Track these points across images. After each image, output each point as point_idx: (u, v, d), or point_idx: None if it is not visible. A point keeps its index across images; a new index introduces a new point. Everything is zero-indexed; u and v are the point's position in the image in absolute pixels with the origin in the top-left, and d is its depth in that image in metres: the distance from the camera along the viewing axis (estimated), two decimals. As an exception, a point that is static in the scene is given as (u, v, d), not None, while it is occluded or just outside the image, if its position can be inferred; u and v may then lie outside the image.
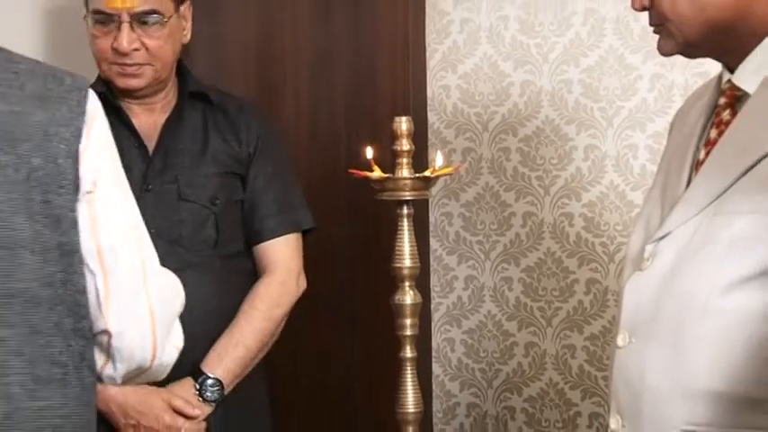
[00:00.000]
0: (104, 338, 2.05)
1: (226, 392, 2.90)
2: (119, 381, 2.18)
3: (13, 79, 2.00)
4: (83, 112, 2.01)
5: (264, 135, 3.07)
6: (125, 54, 2.91)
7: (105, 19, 2.92)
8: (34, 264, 2.06)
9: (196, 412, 2.86)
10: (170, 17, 2.97)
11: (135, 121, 2.97)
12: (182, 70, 3.08)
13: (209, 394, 2.87)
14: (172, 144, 3.01)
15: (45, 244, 2.04)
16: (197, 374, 2.87)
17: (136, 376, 2.17)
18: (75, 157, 2.02)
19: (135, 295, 2.06)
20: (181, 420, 2.84)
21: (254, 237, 3.00)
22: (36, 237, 2.01)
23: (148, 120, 3.01)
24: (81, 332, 2.02)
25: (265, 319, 2.94)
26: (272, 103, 3.65)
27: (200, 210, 2.92)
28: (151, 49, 2.94)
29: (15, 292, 1.98)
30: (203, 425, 2.88)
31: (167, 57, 2.99)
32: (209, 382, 2.88)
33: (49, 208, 2.00)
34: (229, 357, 2.91)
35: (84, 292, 2.03)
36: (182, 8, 3.02)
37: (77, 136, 2.00)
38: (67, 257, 2.03)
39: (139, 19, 2.93)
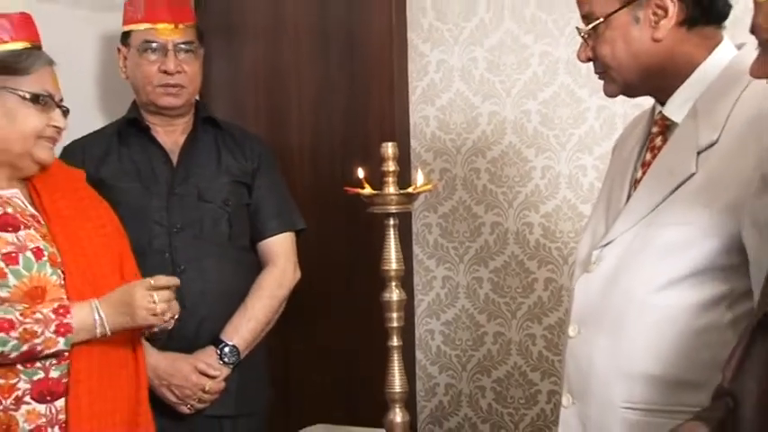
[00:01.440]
0: None
1: (241, 357, 2.97)
2: None
3: None
4: None
5: (264, 154, 3.20)
6: (171, 75, 3.02)
7: (154, 48, 3.02)
8: None
9: (217, 373, 2.94)
10: (199, 49, 3.12)
11: (160, 140, 3.07)
12: (197, 101, 3.19)
13: (227, 358, 2.95)
14: (191, 158, 3.10)
15: None
16: (217, 342, 2.96)
17: None
18: None
19: None
20: (205, 380, 2.91)
21: (258, 234, 3.11)
22: None
23: (171, 139, 3.11)
24: None
25: (271, 297, 3.04)
26: (279, 131, 3.70)
27: (216, 209, 3.02)
28: (189, 73, 3.07)
29: None
30: (223, 384, 2.95)
31: (198, 81, 3.13)
32: (228, 348, 2.96)
33: None
34: (244, 328, 3.00)
35: None
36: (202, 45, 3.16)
37: None
38: None
39: (181, 48, 3.06)
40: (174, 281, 2.46)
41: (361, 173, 2.60)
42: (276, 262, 3.10)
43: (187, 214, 2.93)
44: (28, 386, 2.38)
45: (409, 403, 2.89)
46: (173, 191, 3.01)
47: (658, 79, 2.11)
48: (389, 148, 2.56)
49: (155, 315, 2.39)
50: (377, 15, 3.56)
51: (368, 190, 2.57)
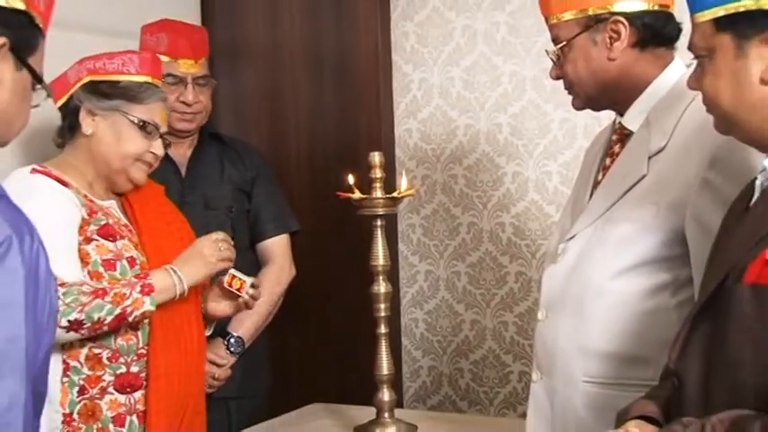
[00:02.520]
0: None
1: (245, 347, 2.99)
2: None
3: None
4: None
5: (262, 165, 3.21)
6: (189, 105, 3.02)
7: (175, 80, 3.01)
8: None
9: (225, 362, 2.95)
10: (211, 80, 3.13)
11: (170, 153, 3.00)
12: None
13: (233, 348, 2.97)
14: (198, 170, 3.10)
15: None
16: (224, 334, 2.96)
17: None
18: None
19: None
20: (214, 368, 2.91)
21: (257, 236, 3.12)
22: None
23: (179, 152, 3.10)
24: None
25: (270, 293, 3.03)
26: (278, 143, 3.71)
27: (220, 216, 3.02)
28: (203, 102, 3.07)
29: None
30: (229, 371, 2.96)
31: (209, 107, 3.13)
32: (233, 339, 2.97)
33: None
34: (247, 321, 3.00)
35: None
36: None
37: None
38: None
39: (198, 81, 3.06)
40: (225, 235, 2.56)
41: (351, 179, 2.60)
42: (274, 261, 3.10)
43: (195, 220, 2.86)
44: (111, 378, 2.40)
45: (396, 384, 2.92)
46: (183, 199, 2.99)
47: (615, 93, 2.12)
48: (376, 157, 2.57)
49: (223, 260, 2.50)
50: (364, 40, 3.57)
51: (357, 195, 2.57)
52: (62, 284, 2.25)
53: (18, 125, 1.75)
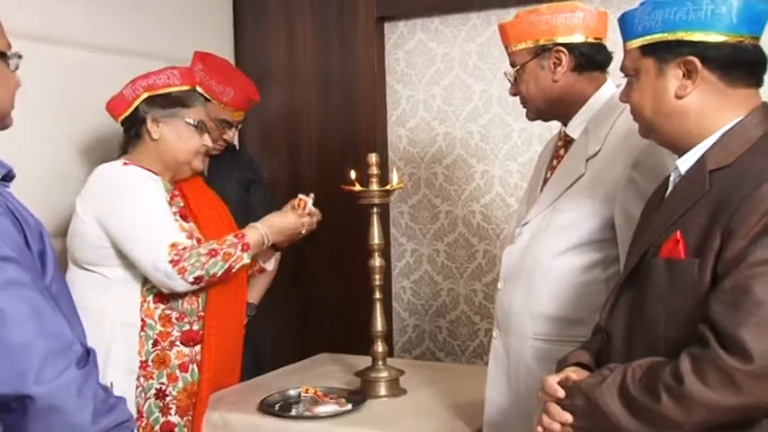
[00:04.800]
0: None
1: (255, 311, 2.97)
2: None
3: None
4: None
5: (257, 170, 3.22)
6: (227, 141, 3.03)
7: (225, 125, 2.97)
8: None
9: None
10: None
11: None
12: None
13: (248, 311, 2.87)
14: (217, 172, 3.05)
15: None
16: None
17: None
18: None
19: None
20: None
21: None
22: None
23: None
24: None
25: (270, 272, 2.95)
26: (294, 147, 3.70)
27: (230, 206, 2.86)
28: (229, 138, 3.04)
29: None
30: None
31: None
32: (247, 307, 2.87)
33: None
34: (255, 287, 2.98)
35: None
36: None
37: None
38: None
39: (238, 123, 3.07)
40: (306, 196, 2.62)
41: (353, 175, 2.59)
42: None
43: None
44: (178, 334, 2.44)
45: (387, 338, 2.93)
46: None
47: (560, 108, 2.12)
48: (373, 158, 2.56)
49: (302, 224, 2.59)
50: (364, 65, 3.56)
51: (358, 187, 2.56)
52: (184, 248, 2.34)
53: (2, 101, 1.65)
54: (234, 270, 2.41)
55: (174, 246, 2.33)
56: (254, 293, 3.00)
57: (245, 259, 2.43)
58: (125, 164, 2.47)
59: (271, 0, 3.71)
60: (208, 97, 2.86)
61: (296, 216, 2.58)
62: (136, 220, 2.36)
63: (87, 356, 1.54)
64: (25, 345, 1.44)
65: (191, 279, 2.32)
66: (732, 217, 1.44)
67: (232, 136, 3.04)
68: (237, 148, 3.28)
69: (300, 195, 2.64)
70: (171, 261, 2.31)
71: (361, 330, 2.67)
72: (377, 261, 2.59)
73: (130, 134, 2.54)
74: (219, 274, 2.38)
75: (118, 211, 2.37)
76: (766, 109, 1.59)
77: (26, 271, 1.49)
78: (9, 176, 1.65)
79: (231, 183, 3.06)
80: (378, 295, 2.61)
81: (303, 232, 2.63)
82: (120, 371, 2.35)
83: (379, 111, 3.59)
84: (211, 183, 2.97)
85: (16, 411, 1.46)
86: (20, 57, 1.67)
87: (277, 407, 2.44)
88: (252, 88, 3.08)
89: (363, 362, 2.72)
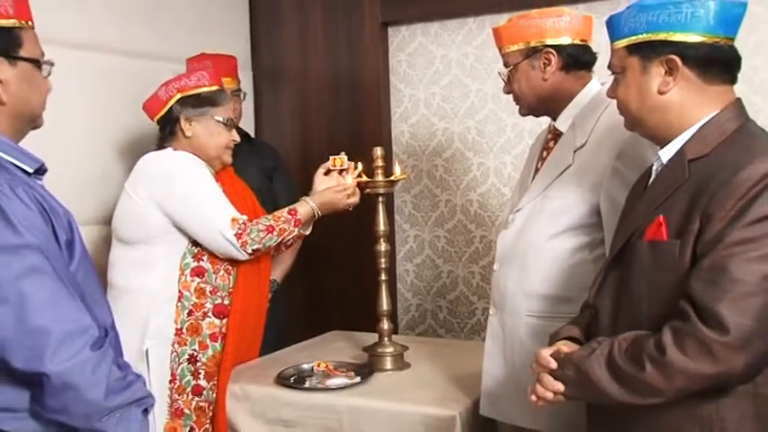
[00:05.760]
0: None
1: (278, 287, 2.96)
2: None
3: None
4: None
5: (277, 158, 3.23)
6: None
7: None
8: None
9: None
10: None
11: None
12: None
13: (271, 286, 2.85)
14: (235, 161, 2.96)
15: None
16: None
17: None
18: None
19: None
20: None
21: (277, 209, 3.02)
22: None
23: None
24: None
25: (293, 250, 2.96)
26: (307, 142, 3.70)
27: (254, 193, 2.88)
28: (236, 110, 3.01)
29: None
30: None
31: (241, 113, 3.10)
32: (271, 283, 2.87)
33: None
34: (279, 265, 2.96)
35: None
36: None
37: None
38: None
39: (233, 93, 3.01)
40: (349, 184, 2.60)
41: (360, 167, 2.59)
42: None
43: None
44: (211, 306, 2.48)
45: (392, 317, 2.94)
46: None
47: (549, 104, 2.12)
48: (378, 151, 2.55)
49: (347, 204, 2.60)
50: (369, 66, 3.56)
51: (364, 178, 2.56)
52: (244, 223, 2.42)
53: (35, 104, 1.66)
54: (286, 242, 2.52)
55: (234, 220, 2.41)
56: (278, 271, 3.00)
57: (296, 232, 2.52)
58: (175, 149, 2.50)
59: (284, 6, 3.71)
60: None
61: (344, 195, 2.58)
62: (198, 196, 2.42)
63: (104, 339, 1.55)
64: (43, 327, 1.46)
65: (250, 251, 2.43)
66: (710, 202, 1.45)
67: (232, 107, 3.01)
68: (253, 136, 3.27)
69: (333, 156, 2.64)
70: (235, 234, 2.40)
71: (369, 309, 2.68)
72: (382, 246, 2.59)
73: (165, 132, 2.57)
74: (274, 246, 2.49)
75: (179, 190, 2.41)
76: (740, 104, 1.60)
77: (49, 259, 1.50)
78: (41, 170, 1.66)
79: (252, 171, 3.06)
80: (383, 277, 2.60)
81: (350, 209, 2.64)
82: (156, 340, 2.41)
83: (384, 108, 3.59)
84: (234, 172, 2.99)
85: (37, 386, 1.49)
86: (52, 64, 1.69)
87: (292, 379, 2.45)
88: (226, 58, 3.09)
89: (371, 338, 2.72)
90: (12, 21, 1.60)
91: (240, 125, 3.00)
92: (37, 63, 1.64)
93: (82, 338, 1.50)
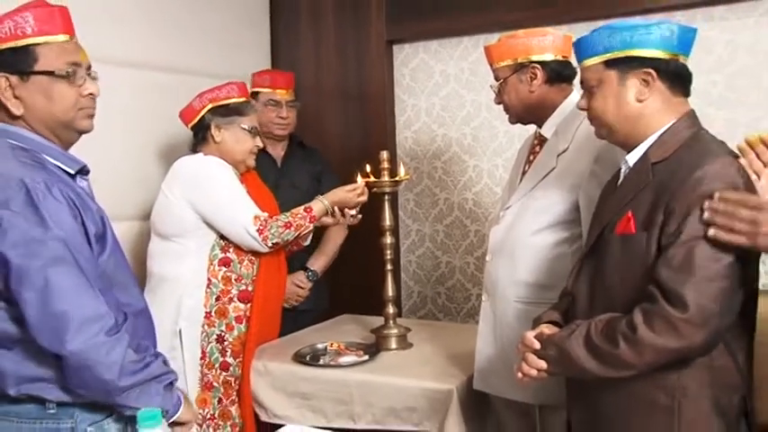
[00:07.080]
0: None
1: (318, 277, 2.98)
2: None
3: None
4: None
5: (325, 163, 3.18)
6: (284, 119, 3.02)
7: (275, 103, 3.01)
8: None
9: (305, 286, 2.96)
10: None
11: (270, 152, 3.04)
12: (291, 133, 3.14)
13: (310, 277, 2.95)
14: (288, 164, 3.06)
15: None
16: (305, 268, 2.97)
17: None
18: None
19: None
20: (298, 290, 2.94)
21: None
22: None
23: (275, 151, 3.08)
24: None
25: (336, 242, 3.03)
26: (323, 148, 3.63)
27: (302, 193, 2.91)
28: (290, 118, 3.05)
29: None
30: (308, 292, 2.97)
31: (295, 122, 3.10)
32: (311, 272, 2.97)
33: None
34: (321, 259, 3.00)
35: None
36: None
37: None
38: None
39: (289, 103, 3.04)
40: (358, 185, 2.57)
41: (368, 168, 2.59)
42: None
43: (285, 196, 2.86)
44: (236, 292, 2.48)
45: (397, 302, 2.90)
46: (278, 182, 2.97)
47: (535, 113, 2.12)
48: (384, 154, 2.55)
49: (357, 202, 2.58)
50: (376, 79, 3.55)
51: (372, 179, 2.56)
52: (265, 220, 2.42)
53: (59, 112, 1.59)
54: (299, 236, 2.50)
55: (257, 217, 2.42)
56: (320, 262, 3.00)
57: (310, 227, 2.53)
58: (205, 154, 2.52)
59: (301, 26, 3.70)
60: (257, 91, 3.01)
61: (354, 194, 2.58)
62: (225, 196, 2.42)
63: (120, 325, 1.54)
64: (65, 312, 1.46)
65: (270, 244, 2.43)
66: (671, 198, 1.47)
67: (287, 115, 3.03)
68: (303, 142, 3.27)
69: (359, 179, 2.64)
70: (257, 230, 2.40)
71: (376, 296, 2.67)
72: (388, 239, 2.59)
73: (198, 138, 2.58)
74: (291, 240, 2.49)
75: (208, 190, 2.42)
76: (693, 114, 1.63)
77: (73, 251, 1.49)
78: (84, 171, 1.65)
79: (302, 174, 3.06)
80: (389, 267, 2.60)
81: (357, 207, 2.63)
82: (188, 321, 2.43)
83: (389, 116, 3.58)
84: (287, 174, 3.00)
85: (61, 364, 1.50)
86: (77, 65, 1.60)
87: (308, 357, 2.46)
88: (285, 74, 3.14)
89: (377, 321, 2.72)
90: (28, 39, 1.54)
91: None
92: (52, 74, 1.56)
93: (98, 324, 1.48)
